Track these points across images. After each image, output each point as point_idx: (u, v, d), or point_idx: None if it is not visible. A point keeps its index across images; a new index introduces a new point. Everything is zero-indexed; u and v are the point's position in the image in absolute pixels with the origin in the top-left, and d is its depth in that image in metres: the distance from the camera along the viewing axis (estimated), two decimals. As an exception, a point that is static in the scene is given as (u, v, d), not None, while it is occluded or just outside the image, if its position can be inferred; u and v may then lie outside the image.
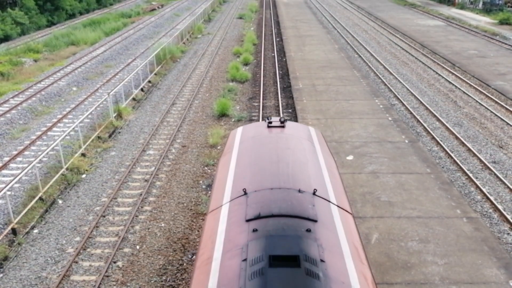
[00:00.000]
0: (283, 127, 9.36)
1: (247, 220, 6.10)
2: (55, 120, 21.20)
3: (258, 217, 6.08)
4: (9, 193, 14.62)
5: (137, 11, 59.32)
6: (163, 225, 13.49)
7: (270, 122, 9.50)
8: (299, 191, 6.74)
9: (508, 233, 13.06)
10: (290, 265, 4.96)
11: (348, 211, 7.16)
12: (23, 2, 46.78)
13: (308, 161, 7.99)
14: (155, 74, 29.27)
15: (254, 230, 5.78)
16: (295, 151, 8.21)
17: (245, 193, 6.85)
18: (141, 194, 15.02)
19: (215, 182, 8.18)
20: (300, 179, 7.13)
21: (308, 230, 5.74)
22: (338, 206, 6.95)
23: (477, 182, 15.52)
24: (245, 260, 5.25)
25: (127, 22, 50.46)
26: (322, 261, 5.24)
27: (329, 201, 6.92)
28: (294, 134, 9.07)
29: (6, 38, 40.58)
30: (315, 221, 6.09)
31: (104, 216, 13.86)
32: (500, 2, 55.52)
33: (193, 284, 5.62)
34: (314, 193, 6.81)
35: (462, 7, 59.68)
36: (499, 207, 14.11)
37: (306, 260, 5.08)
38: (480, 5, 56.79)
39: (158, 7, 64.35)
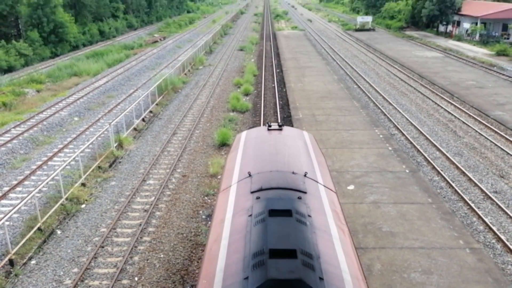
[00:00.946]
0: (281, 130, 11.07)
1: (252, 192, 7.71)
2: (56, 150, 21.25)
3: (260, 190, 7.67)
4: (7, 223, 14.51)
5: (139, 43, 60.33)
6: (162, 256, 13.32)
7: (270, 126, 11.17)
8: (293, 173, 8.35)
9: (512, 264, 12.87)
10: (284, 215, 6.47)
11: (332, 190, 8.86)
12: (28, 34, 47.66)
13: (301, 154, 9.71)
14: (157, 104, 29.52)
15: (257, 198, 7.36)
16: (291, 147, 9.89)
17: (250, 175, 8.47)
18: (140, 225, 14.89)
19: (224, 171, 9.89)
20: (294, 165, 8.78)
21: (299, 198, 7.35)
22: (324, 185, 8.67)
23: (479, 212, 15.41)
24: (250, 215, 6.86)
25: (130, 54, 51.26)
26: (309, 216, 6.84)
27: (317, 182, 8.60)
28: (290, 135, 10.85)
29: (9, 69, 41.13)
30: (305, 192, 7.72)
31: (102, 247, 13.70)
32: (497, 34, 56.49)
33: (210, 237, 7.20)
34: (305, 175, 8.46)
35: (459, 39, 60.69)
36: (502, 237, 13.95)
37: (297, 213, 6.58)
38: (477, 37, 57.76)
39: (160, 39, 65.48)
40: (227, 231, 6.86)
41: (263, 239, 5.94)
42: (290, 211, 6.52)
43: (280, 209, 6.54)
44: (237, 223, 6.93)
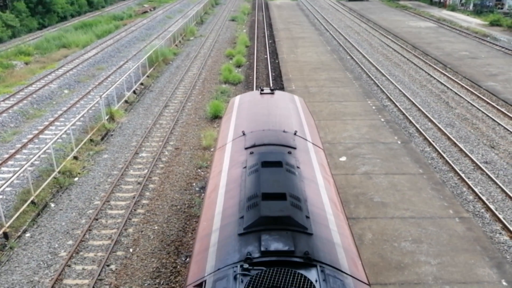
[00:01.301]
0: (272, 94, 11.73)
1: (246, 148, 8.34)
2: (46, 123, 21.06)
3: (253, 146, 8.31)
4: (0, 197, 14.50)
5: (129, 13, 59.13)
6: (156, 228, 13.43)
7: (262, 90, 11.85)
8: (284, 131, 8.99)
9: (500, 233, 13.15)
10: (275, 166, 7.07)
11: (319, 147, 9.61)
12: (14, 4, 46.46)
13: (292, 115, 10.35)
14: (148, 76, 29.18)
15: (251, 153, 7.96)
16: (282, 109, 10.53)
17: (244, 134, 9.05)
18: (134, 197, 14.95)
19: (219, 132, 10.61)
20: (285, 125, 9.43)
21: (289, 152, 8.01)
22: (312, 143, 9.37)
23: (469, 182, 15.62)
24: (245, 167, 7.50)
25: (119, 25, 50.29)
26: (298, 167, 7.52)
27: (306, 139, 9.30)
28: (281, 98, 11.51)
29: (-4, 41, 40.31)
30: (294, 148, 8.38)
31: (97, 219, 13.78)
32: (491, 3, 56.01)
33: (208, 188, 7.95)
34: (295, 133, 9.11)
35: (453, 8, 60.13)
36: (491, 207, 14.20)
37: (286, 165, 7.17)
38: (471, 6, 57.25)
39: (150, 10, 64.20)
40: (224, 181, 7.60)
41: (256, 185, 6.60)
42: (280, 162, 7.18)
43: (272, 161, 7.19)
44: (233, 174, 7.63)
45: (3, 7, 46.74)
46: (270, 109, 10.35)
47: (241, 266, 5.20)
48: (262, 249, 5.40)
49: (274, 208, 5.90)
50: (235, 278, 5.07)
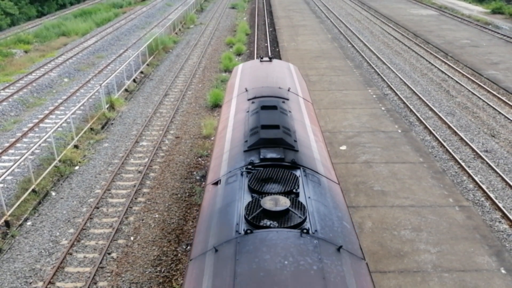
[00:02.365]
0: (270, 61, 13.71)
1: (248, 99, 10.36)
2: (47, 111, 21.04)
3: (254, 98, 10.29)
4: (1, 185, 14.55)
5: (128, 1, 58.69)
6: (157, 216, 13.49)
7: (262, 58, 13.90)
8: (279, 87, 10.98)
9: (499, 221, 13.20)
10: (272, 109, 8.96)
11: (309, 101, 11.78)
12: (13, -8, 46.13)
13: (286, 77, 12.32)
14: (148, 64, 29.07)
15: (252, 102, 9.93)
16: (278, 72, 12.51)
17: (246, 90, 11.04)
18: (134, 186, 14.99)
19: (226, 91, 12.88)
20: (280, 83, 11.38)
21: (283, 102, 10.00)
22: (303, 98, 11.43)
23: (469, 171, 15.64)
24: (247, 111, 9.43)
25: (119, 13, 49.97)
26: (289, 112, 9.45)
27: (297, 95, 11.29)
28: (278, 65, 13.47)
29: (-5, 29, 40.10)
30: (287, 99, 10.38)
31: (98, 208, 13.83)
32: (493, -9, 55.51)
33: (218, 130, 10.09)
34: (288, 90, 11.05)
35: (454, -4, 59.63)
36: (491, 195, 14.24)
37: (281, 108, 9.13)
38: (473, -6, 56.77)
39: (149, -3, 63.66)
40: (232, 123, 9.67)
41: (256, 121, 8.51)
42: (276, 106, 9.10)
43: (269, 105, 9.14)
44: (238, 117, 9.65)
45: (1, -6, 46.39)
46: (268, 72, 12.37)
47: (246, 167, 7.23)
48: (261, 157, 7.40)
49: (270, 134, 7.89)
50: (241, 174, 7.09)
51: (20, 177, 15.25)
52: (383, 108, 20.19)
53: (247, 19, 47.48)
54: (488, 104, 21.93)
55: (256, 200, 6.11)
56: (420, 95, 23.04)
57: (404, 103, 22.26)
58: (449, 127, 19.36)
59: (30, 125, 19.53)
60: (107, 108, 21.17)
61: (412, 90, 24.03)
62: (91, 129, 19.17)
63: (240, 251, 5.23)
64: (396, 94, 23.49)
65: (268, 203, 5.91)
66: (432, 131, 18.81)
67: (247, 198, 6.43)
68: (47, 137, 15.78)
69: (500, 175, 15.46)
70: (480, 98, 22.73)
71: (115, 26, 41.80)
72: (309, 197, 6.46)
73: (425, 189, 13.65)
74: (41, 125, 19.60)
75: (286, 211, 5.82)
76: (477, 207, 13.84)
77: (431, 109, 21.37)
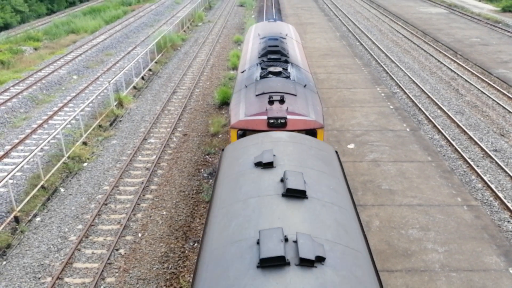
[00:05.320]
0: (275, 21, 21.26)
1: (260, 38, 17.15)
2: (56, 108, 21.19)
3: (264, 37, 16.84)
4: (11, 181, 14.67)
5: (137, -2, 58.89)
6: (164, 213, 13.56)
7: (269, 20, 21.66)
8: (280, 33, 17.69)
9: (508, 221, 13.10)
10: (275, 40, 16.09)
11: (299, 41, 19.12)
12: (23, -11, 46.47)
13: (285, 30, 19.50)
14: (156, 62, 29.17)
15: (262, 38, 16.94)
16: (280, 28, 19.47)
17: (259, 35, 17.84)
18: (142, 182, 15.06)
19: (245, 38, 20.52)
20: (281, 32, 18.22)
21: (283, 38, 16.74)
22: (295, 40, 18.26)
23: (478, 170, 15.53)
24: (260, 43, 16.48)
25: (128, 10, 50.17)
26: (286, 43, 16.25)
27: (292, 38, 18.33)
28: (280, 24, 20.90)
29: (6, 27, 40.42)
30: (285, 38, 17.03)
31: (106, 204, 13.93)
32: (503, -11, 54.94)
33: (242, 50, 18.30)
34: (286, 35, 17.94)
35: (464, -6, 59.10)
36: (500, 195, 14.13)
37: (281, 38, 16.32)
38: (483, -8, 56.22)
39: (158, -5, 63.80)
40: (250, 48, 16.89)
41: (264, 47, 15.26)
42: (277, 39, 16.12)
43: (273, 38, 16.24)
44: (254, 46, 16.65)
45: (11, -8, 46.75)
46: (273, 27, 19.48)
47: (259, 63, 13.64)
48: (268, 57, 13.97)
49: (273, 47, 14.63)
50: (257, 65, 13.58)
51: (29, 173, 15.39)
52: (391, 107, 20.10)
53: (255, 17, 47.42)
54: (498, 103, 21.74)
55: (265, 69, 13.06)
56: (429, 94, 22.90)
57: (412, 101, 22.14)
58: (458, 126, 19.23)
59: (39, 121, 19.69)
60: (116, 105, 21.28)
61: (421, 88, 23.89)
62: (100, 126, 19.29)
63: (257, 84, 12.02)
64: (405, 93, 23.37)
65: (271, 68, 12.85)
66: (441, 130, 18.70)
67: (260, 71, 13.04)
68: (56, 133, 15.90)
69: (509, 175, 15.33)
70: (490, 97, 22.54)
71: (123, 24, 41.96)
72: (292, 71, 13.12)
73: (433, 188, 13.58)
74: (50, 122, 19.75)
75: (280, 72, 12.61)
76: (485, 207, 13.74)
77: (440, 108, 21.23)
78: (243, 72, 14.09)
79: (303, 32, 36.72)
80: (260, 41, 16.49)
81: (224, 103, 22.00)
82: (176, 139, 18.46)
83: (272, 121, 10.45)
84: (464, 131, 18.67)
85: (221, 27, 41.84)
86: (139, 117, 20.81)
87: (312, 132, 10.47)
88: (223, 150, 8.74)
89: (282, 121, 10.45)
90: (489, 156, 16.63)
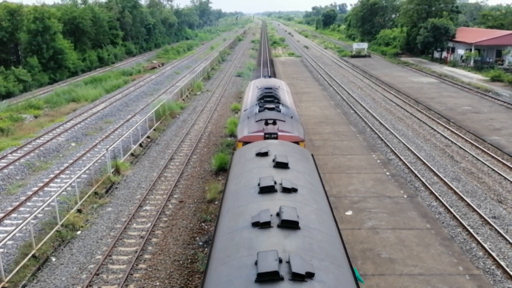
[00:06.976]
0: (270, 78, 29.06)
1: (258, 89, 22.67)
2: (52, 175, 21.14)
3: (261, 88, 22.38)
4: (1, 250, 14.31)
5: (138, 69, 60.88)
6: (158, 284, 13.10)
7: (265, 76, 30.91)
8: (274, 85, 23.68)
9: (513, 291, 12.70)
10: (270, 89, 22.00)
11: (289, 92, 25.95)
12: (27, 60, 48.07)
13: (278, 83, 25.35)
14: (154, 129, 29.58)
15: (260, 89, 22.25)
16: (274, 82, 25.41)
17: (257, 87, 23.29)
18: (136, 251, 14.70)
19: (245, 91, 26.55)
20: (276, 86, 23.67)
21: (276, 89, 22.80)
22: (286, 91, 25.07)
23: (478, 238, 15.30)
24: (257, 91, 21.93)
25: (128, 80, 51.65)
26: (279, 92, 22.64)
27: (283, 89, 24.74)
28: (274, 79, 27.43)
29: (8, 95, 41.30)
30: (278, 88, 23.21)
31: (98, 275, 13.49)
32: (491, 60, 57.30)
33: (243, 101, 23.63)
34: (278, 87, 23.55)
35: (454, 65, 61.49)
36: (502, 263, 13.81)
37: (275, 88, 22.89)
38: (472, 63, 58.53)
39: (158, 66, 66.12)
40: (250, 96, 21.97)
41: (261, 94, 20.39)
42: (272, 88, 21.34)
43: (269, 87, 21.71)
44: (253, 95, 21.49)
45: (16, 62, 48.34)
46: (268, 81, 25.10)
47: (257, 105, 18.48)
48: (263, 101, 19.17)
49: (268, 95, 19.86)
50: (255, 105, 18.59)
51: (21, 241, 15.04)
52: (387, 173, 20.16)
53: (252, 86, 48.78)
54: (493, 170, 21.87)
55: (262, 107, 17.73)
56: (424, 160, 23.08)
57: (408, 168, 22.26)
58: (455, 192, 19.19)
59: (35, 188, 19.56)
60: (112, 172, 21.27)
61: (416, 155, 24.11)
62: (95, 193, 19.15)
63: (257, 115, 16.83)
64: (400, 159, 23.55)
65: (266, 105, 17.85)
66: (438, 196, 18.64)
67: (258, 108, 17.29)
68: (50, 201, 15.74)
69: (510, 242, 15.08)
70: (485, 164, 22.72)
71: (124, 93, 43.04)
72: (282, 108, 17.81)
73: (434, 256, 13.29)
74: (45, 188, 19.63)
75: (273, 108, 17.38)
76: (488, 276, 13.37)
77: (436, 174, 21.30)
78: (245, 110, 19.06)
79: (299, 101, 37.66)
80: (258, 90, 22.07)
81: (222, 169, 22.04)
82: (172, 206, 18.27)
83: (267, 135, 14.82)
84: (462, 197, 18.61)
85: (219, 96, 42.92)
86: (136, 183, 20.74)
87: (296, 144, 13.89)
88: (234, 149, 12.09)
89: (274, 135, 14.81)
90: (488, 223, 16.45)
